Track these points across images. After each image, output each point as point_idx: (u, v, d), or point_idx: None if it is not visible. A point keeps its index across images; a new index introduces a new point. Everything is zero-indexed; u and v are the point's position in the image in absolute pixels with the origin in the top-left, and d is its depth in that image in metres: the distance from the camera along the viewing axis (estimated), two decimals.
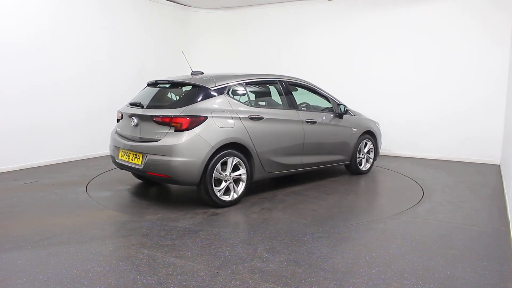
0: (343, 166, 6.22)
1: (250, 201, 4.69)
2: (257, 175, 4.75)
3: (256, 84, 5.16)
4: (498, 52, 6.99)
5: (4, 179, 5.56)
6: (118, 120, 5.01)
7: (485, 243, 3.51)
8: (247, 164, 4.60)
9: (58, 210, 4.29)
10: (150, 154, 4.28)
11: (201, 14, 9.54)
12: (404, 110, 7.86)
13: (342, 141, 5.83)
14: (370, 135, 6.28)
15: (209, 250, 3.26)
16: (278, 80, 5.30)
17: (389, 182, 5.92)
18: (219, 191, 4.37)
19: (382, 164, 7.00)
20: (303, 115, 5.28)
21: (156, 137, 4.29)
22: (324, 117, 5.59)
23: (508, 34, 6.86)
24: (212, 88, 4.55)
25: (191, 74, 5.07)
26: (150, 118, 4.38)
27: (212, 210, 4.34)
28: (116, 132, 4.93)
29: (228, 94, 4.66)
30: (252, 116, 4.68)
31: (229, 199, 4.47)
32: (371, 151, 6.34)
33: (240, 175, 4.55)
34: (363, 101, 7.93)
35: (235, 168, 4.51)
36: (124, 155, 4.64)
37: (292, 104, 5.25)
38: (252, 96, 5.15)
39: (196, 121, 4.24)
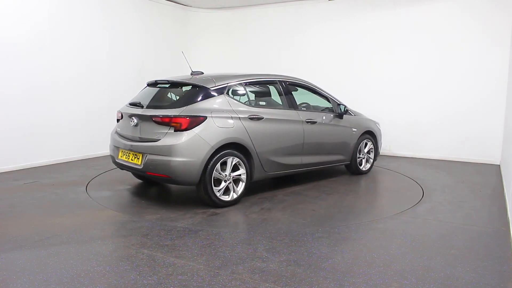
0: (343, 166, 6.22)
1: (250, 201, 4.69)
2: (257, 175, 4.75)
3: (256, 84, 5.16)
4: (498, 52, 6.99)
5: (4, 179, 5.56)
6: (118, 120, 5.01)
7: (485, 243, 3.51)
8: (247, 164, 4.60)
9: (58, 210, 4.29)
10: (149, 154, 4.28)
11: (201, 14, 9.54)
12: (404, 110, 7.86)
13: (342, 141, 5.83)
14: (370, 135, 6.28)
15: (209, 250, 3.26)
16: (278, 80, 5.30)
17: (389, 182, 5.92)
18: (218, 191, 4.37)
19: (382, 164, 7.00)
20: (303, 115, 5.28)
21: (155, 137, 4.29)
22: (324, 117, 5.59)
23: (508, 34, 6.86)
24: (212, 88, 4.55)
25: (191, 74, 5.07)
26: (150, 118, 4.38)
27: (212, 210, 4.34)
28: (116, 132, 4.94)
29: (228, 94, 4.66)
30: (252, 116, 4.68)
31: (229, 199, 4.47)
32: (371, 151, 6.34)
33: (240, 175, 4.55)
34: (363, 101, 7.93)
35: (235, 168, 4.51)
36: (124, 155, 4.64)
37: (292, 104, 5.25)
38: (252, 96, 5.15)
39: (196, 121, 4.24)
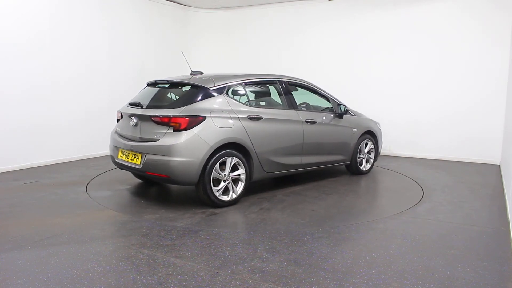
0: (343, 166, 6.22)
1: (249, 201, 4.69)
2: (256, 175, 4.75)
3: (256, 84, 5.15)
4: (498, 52, 6.99)
5: (4, 179, 5.56)
6: (118, 120, 5.01)
7: (485, 243, 3.51)
8: (246, 164, 4.60)
9: (58, 210, 4.29)
10: (149, 154, 4.28)
11: (201, 14, 9.55)
12: (404, 110, 7.86)
13: (342, 141, 5.83)
14: (371, 135, 6.27)
15: (209, 250, 3.26)
16: (278, 80, 5.30)
17: (389, 182, 5.92)
18: (217, 191, 4.37)
19: (382, 164, 7.00)
20: (302, 115, 5.28)
21: (155, 137, 4.29)
22: (324, 117, 5.59)
23: (508, 34, 6.86)
24: (211, 88, 4.55)
25: (191, 74, 5.07)
26: (149, 118, 4.38)
27: (211, 210, 4.34)
28: (116, 132, 4.94)
29: (227, 94, 4.66)
30: (251, 116, 4.68)
31: (228, 199, 4.47)
32: (372, 151, 6.33)
33: (239, 175, 4.55)
34: (363, 101, 7.93)
35: (234, 168, 4.51)
36: (123, 155, 4.64)
37: (291, 104, 5.25)
38: (252, 96, 5.15)
39: (195, 121, 4.24)
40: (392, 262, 3.07)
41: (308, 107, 5.72)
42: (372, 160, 6.36)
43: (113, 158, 4.89)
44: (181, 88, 4.83)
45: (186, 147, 4.14)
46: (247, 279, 2.76)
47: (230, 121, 4.47)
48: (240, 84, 4.87)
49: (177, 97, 4.75)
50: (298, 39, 8.78)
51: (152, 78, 5.28)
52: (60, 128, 6.75)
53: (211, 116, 4.34)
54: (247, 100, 4.87)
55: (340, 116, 5.78)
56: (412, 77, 7.73)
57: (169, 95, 4.91)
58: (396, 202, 4.84)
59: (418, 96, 7.70)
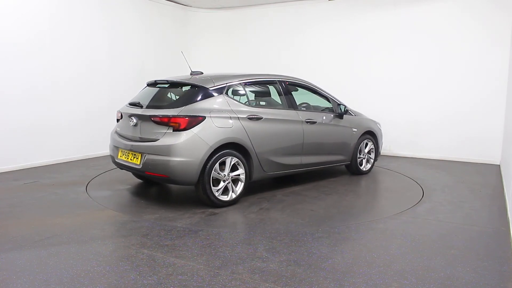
0: (343, 166, 6.22)
1: (249, 201, 4.69)
2: (256, 175, 4.75)
3: (255, 84, 5.15)
4: (498, 52, 6.99)
5: (4, 179, 5.56)
6: (118, 120, 5.02)
7: (485, 243, 3.51)
8: (246, 164, 4.60)
9: (58, 210, 4.29)
10: (148, 154, 4.28)
11: (201, 14, 9.55)
12: (404, 110, 7.86)
13: (342, 141, 5.83)
14: (371, 135, 6.27)
15: (209, 250, 3.26)
16: (278, 80, 5.30)
17: (389, 182, 5.92)
18: (217, 191, 4.37)
19: (382, 164, 7.00)
20: (302, 115, 5.28)
21: (154, 137, 4.29)
22: (324, 117, 5.58)
23: (508, 34, 6.86)
24: (211, 88, 4.55)
25: (191, 74, 5.07)
26: (149, 118, 4.38)
27: (210, 210, 4.34)
28: (116, 132, 4.94)
29: (227, 94, 4.66)
30: (251, 116, 4.67)
31: (228, 199, 4.47)
32: (372, 151, 6.33)
33: (239, 175, 4.55)
34: (363, 101, 7.93)
35: (234, 168, 4.51)
36: (123, 155, 4.64)
37: (291, 104, 5.24)
38: (251, 96, 5.15)
39: (194, 121, 4.24)
40: (392, 262, 3.07)
41: (308, 107, 5.72)
42: (372, 160, 6.36)
43: (113, 158, 4.89)
44: (181, 88, 4.83)
45: (186, 147, 4.14)
46: (247, 279, 2.76)
47: (230, 121, 4.47)
48: (240, 84, 4.87)
49: (177, 97, 4.75)
50: (298, 39, 8.78)
51: (152, 78, 5.28)
52: (60, 128, 6.75)
53: (210, 116, 4.34)
54: (247, 100, 4.87)
55: (340, 116, 5.78)
56: (412, 77, 7.73)
57: (169, 95, 4.91)
58: (396, 202, 4.84)
59: (418, 96, 7.70)
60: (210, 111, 4.39)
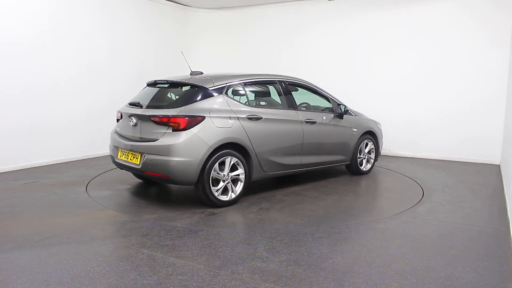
0: (343, 166, 6.22)
1: (249, 201, 4.69)
2: (256, 175, 4.75)
3: (255, 84, 5.15)
4: (498, 52, 6.99)
5: (4, 179, 5.56)
6: (118, 120, 5.02)
7: (485, 243, 3.51)
8: (245, 164, 4.60)
9: (58, 210, 4.29)
10: (148, 153, 4.28)
11: (201, 14, 9.55)
12: (404, 110, 7.86)
13: (342, 141, 5.82)
14: (371, 135, 6.27)
15: (209, 250, 3.26)
16: (278, 80, 5.30)
17: (389, 182, 5.92)
18: (216, 191, 4.37)
19: (382, 164, 7.00)
20: (302, 115, 5.28)
21: (154, 137, 4.30)
22: (324, 117, 5.58)
23: (508, 34, 6.86)
24: (210, 88, 4.55)
25: (190, 74, 5.07)
26: (149, 118, 4.38)
27: (210, 210, 4.34)
28: (116, 132, 4.94)
29: (227, 94, 4.66)
30: (251, 116, 4.67)
31: (227, 199, 4.46)
32: (372, 152, 6.33)
33: (238, 175, 4.55)
34: (363, 101, 7.93)
35: (233, 168, 4.51)
36: (123, 154, 4.64)
37: (291, 104, 5.24)
38: (251, 96, 5.15)
39: (194, 121, 4.24)
40: (392, 262, 3.07)
41: (308, 107, 5.72)
42: (372, 160, 6.36)
43: (113, 158, 4.89)
44: (181, 88, 4.83)
45: (185, 147, 4.14)
46: (247, 279, 2.76)
47: (230, 121, 4.47)
48: (239, 84, 4.87)
49: (177, 97, 4.75)
50: (298, 39, 8.78)
51: (152, 78, 5.29)
52: (60, 128, 6.75)
53: (210, 116, 4.34)
54: (246, 100, 4.87)
55: (340, 116, 5.77)
56: (412, 77, 7.73)
57: (168, 95, 4.91)
58: (396, 202, 4.84)
59: (418, 96, 7.70)
60: (210, 111, 4.39)
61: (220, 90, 4.60)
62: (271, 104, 5.34)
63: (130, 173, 5.34)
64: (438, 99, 7.53)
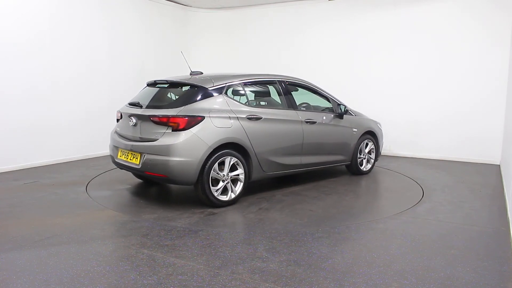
0: (343, 166, 6.22)
1: (248, 201, 4.69)
2: (255, 175, 4.75)
3: (255, 84, 5.15)
4: (498, 52, 6.99)
5: (4, 179, 5.56)
6: (117, 120, 5.02)
7: (485, 243, 3.51)
8: (245, 164, 4.59)
9: (58, 210, 4.29)
10: (147, 153, 4.28)
11: (201, 14, 9.55)
12: (404, 110, 7.86)
13: (342, 142, 5.82)
14: (371, 135, 6.27)
15: (209, 250, 3.26)
16: (277, 80, 5.30)
17: (389, 182, 5.92)
18: (216, 191, 4.36)
19: (382, 164, 7.00)
20: (302, 115, 5.27)
21: (153, 137, 4.30)
22: (324, 117, 5.58)
23: (508, 34, 6.86)
24: (210, 88, 4.55)
25: (190, 74, 5.07)
26: (149, 118, 4.38)
27: (209, 209, 4.34)
28: (116, 132, 4.94)
29: (226, 94, 4.66)
30: (250, 116, 4.67)
31: (227, 199, 4.46)
32: (372, 152, 6.33)
33: (238, 175, 4.55)
34: (363, 101, 7.93)
35: (233, 168, 4.51)
36: (123, 154, 4.64)
37: (291, 104, 5.24)
38: (251, 96, 5.15)
39: (194, 121, 4.24)
40: (392, 262, 3.07)
41: (308, 107, 5.72)
42: (372, 161, 6.36)
43: (112, 158, 4.89)
44: (181, 88, 4.83)
45: (185, 147, 4.14)
46: (247, 279, 2.76)
47: (229, 121, 4.47)
48: (239, 84, 4.87)
49: (177, 97, 4.75)
50: (298, 39, 8.78)
51: (152, 78, 5.29)
52: (60, 128, 6.75)
53: (210, 116, 4.34)
54: (246, 100, 4.87)
55: (340, 116, 5.77)
56: (412, 77, 7.73)
57: (168, 95, 4.92)
58: (396, 202, 4.84)
59: (418, 96, 7.70)
60: (210, 111, 4.39)
61: (219, 90, 4.60)
62: (271, 104, 5.35)
63: (130, 173, 5.34)
64: (438, 99, 7.53)
